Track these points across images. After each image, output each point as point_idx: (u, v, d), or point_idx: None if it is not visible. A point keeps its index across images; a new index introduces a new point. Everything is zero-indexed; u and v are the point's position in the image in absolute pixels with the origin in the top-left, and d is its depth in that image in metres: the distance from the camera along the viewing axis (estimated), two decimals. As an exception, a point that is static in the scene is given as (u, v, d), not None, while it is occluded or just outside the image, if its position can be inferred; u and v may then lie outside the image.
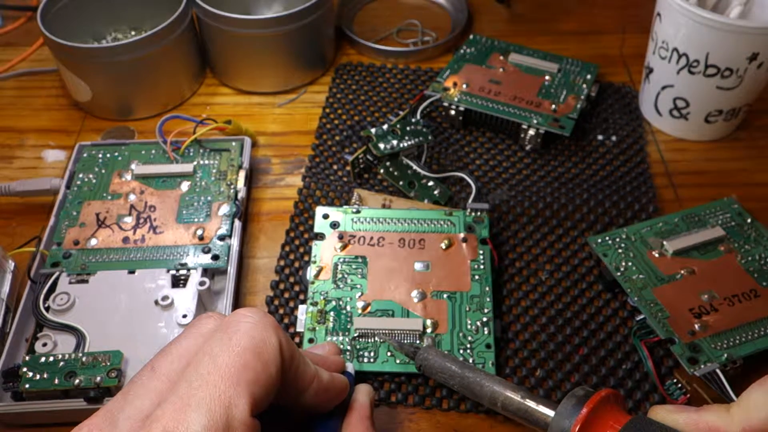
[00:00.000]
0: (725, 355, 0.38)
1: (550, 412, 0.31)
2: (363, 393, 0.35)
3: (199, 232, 0.46)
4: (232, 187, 0.49)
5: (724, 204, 0.47)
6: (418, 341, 0.41)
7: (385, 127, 0.52)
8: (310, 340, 0.41)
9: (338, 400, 0.33)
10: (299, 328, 0.42)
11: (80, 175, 0.49)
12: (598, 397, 0.29)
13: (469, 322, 0.41)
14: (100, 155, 0.51)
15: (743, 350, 0.39)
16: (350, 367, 0.36)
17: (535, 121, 0.53)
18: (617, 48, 0.64)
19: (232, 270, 0.44)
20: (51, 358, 0.38)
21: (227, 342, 0.26)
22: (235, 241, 0.46)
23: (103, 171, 0.50)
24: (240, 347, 0.26)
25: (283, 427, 0.32)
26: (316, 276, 0.43)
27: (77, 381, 0.37)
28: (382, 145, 0.51)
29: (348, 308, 0.42)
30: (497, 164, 0.53)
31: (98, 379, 0.37)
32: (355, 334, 0.41)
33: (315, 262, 0.44)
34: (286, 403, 0.29)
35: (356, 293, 0.43)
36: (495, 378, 0.34)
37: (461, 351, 0.40)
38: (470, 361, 0.40)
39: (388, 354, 0.40)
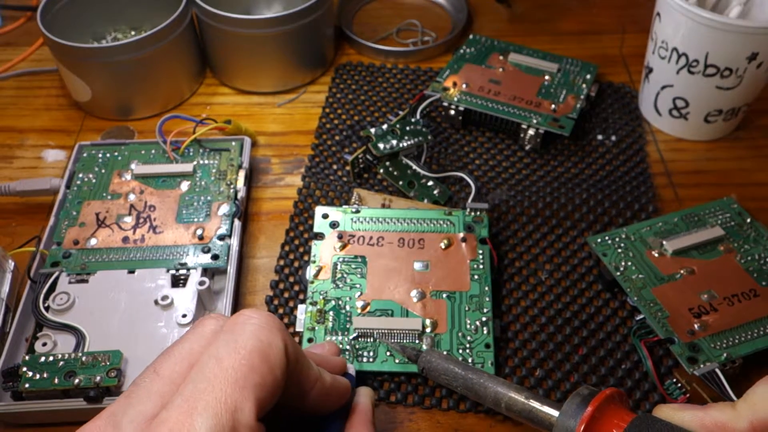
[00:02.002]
0: (725, 354, 0.38)
1: (555, 412, 0.31)
2: (365, 396, 0.35)
3: (199, 231, 0.46)
4: (232, 186, 0.49)
5: (723, 204, 0.47)
6: (417, 341, 0.41)
7: (384, 127, 0.52)
8: (310, 340, 0.41)
9: (340, 402, 0.33)
10: (298, 328, 0.42)
11: (80, 175, 0.49)
12: (603, 395, 0.29)
13: (468, 321, 0.41)
14: (100, 155, 0.51)
15: (743, 350, 0.39)
16: (351, 369, 0.36)
17: (534, 121, 0.53)
18: (617, 48, 0.64)
19: (231, 270, 0.44)
20: (51, 358, 0.38)
21: (233, 344, 0.25)
22: (234, 241, 0.46)
23: (103, 171, 0.50)
24: (246, 350, 0.25)
25: (285, 429, 0.32)
26: (316, 276, 0.43)
27: (77, 381, 0.37)
28: (381, 145, 0.51)
29: (347, 308, 0.42)
30: (497, 164, 0.53)
31: (98, 378, 0.37)
32: (355, 334, 0.41)
33: (314, 262, 0.44)
34: (288, 405, 0.29)
35: (355, 293, 0.43)
36: (498, 379, 0.34)
37: (460, 351, 0.40)
38: (469, 360, 0.40)
39: (387, 354, 0.40)
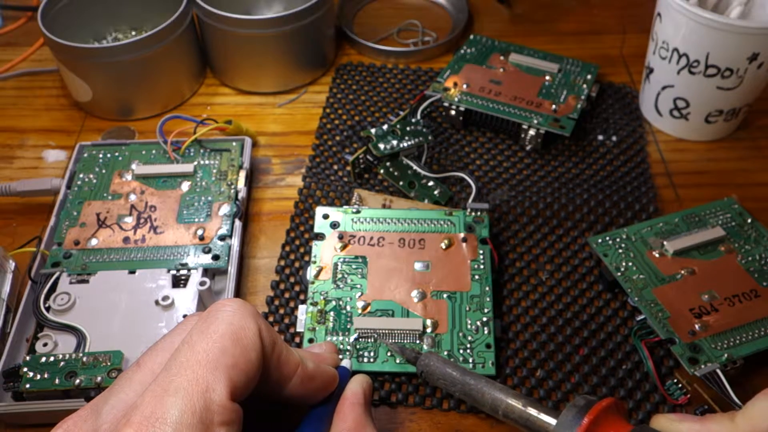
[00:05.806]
0: (726, 355, 0.38)
1: (552, 421, 0.31)
2: (356, 382, 0.34)
3: (200, 232, 0.46)
4: (233, 187, 0.49)
5: (724, 204, 0.47)
6: (418, 341, 0.41)
7: (385, 127, 0.52)
8: (310, 340, 0.41)
9: (327, 390, 0.32)
10: (299, 328, 0.42)
11: (81, 175, 0.49)
12: (600, 406, 0.29)
13: (469, 322, 0.41)
14: (101, 155, 0.51)
15: (744, 350, 0.39)
16: (347, 363, 0.36)
17: (535, 121, 0.53)
18: (617, 48, 0.64)
19: (232, 270, 0.44)
20: (51, 358, 0.38)
21: (205, 330, 0.26)
22: (235, 241, 0.46)
23: (104, 171, 0.50)
24: (217, 334, 0.26)
25: (275, 422, 0.32)
26: (316, 276, 0.43)
27: (78, 381, 0.37)
28: (382, 146, 0.51)
29: (348, 308, 0.42)
30: (497, 164, 0.53)
31: (99, 379, 0.37)
32: (355, 334, 0.41)
33: (315, 262, 0.44)
34: (273, 394, 0.29)
35: (356, 293, 0.43)
36: (497, 385, 0.33)
37: (461, 351, 0.40)
38: (470, 361, 0.40)
39: (388, 354, 0.40)
